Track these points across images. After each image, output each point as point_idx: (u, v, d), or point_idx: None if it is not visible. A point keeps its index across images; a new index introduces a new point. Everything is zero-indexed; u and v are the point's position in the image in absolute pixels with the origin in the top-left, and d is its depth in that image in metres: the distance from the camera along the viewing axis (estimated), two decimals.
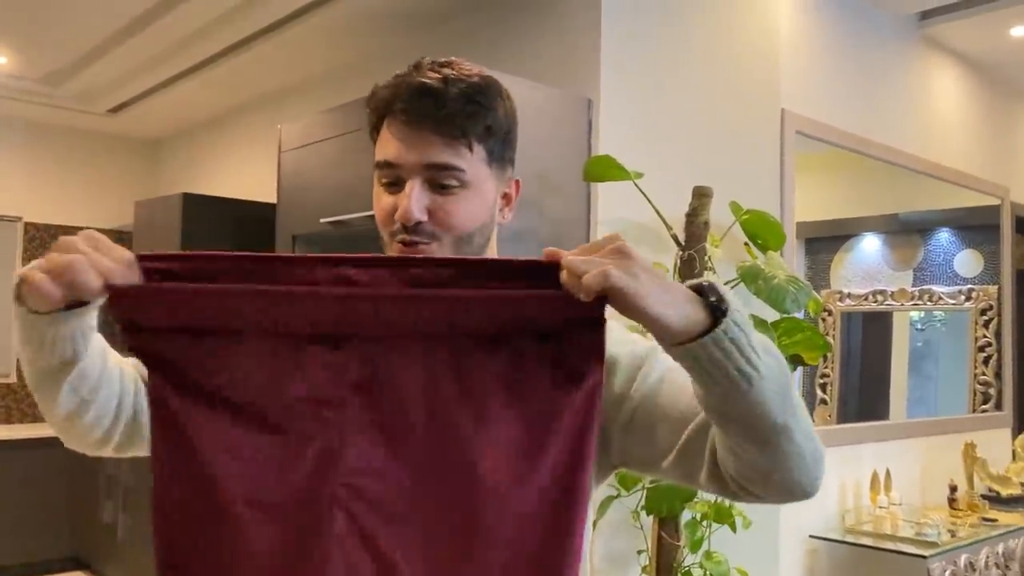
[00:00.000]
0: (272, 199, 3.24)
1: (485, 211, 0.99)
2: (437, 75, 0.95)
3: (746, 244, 2.45)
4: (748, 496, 0.89)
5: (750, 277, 2.21)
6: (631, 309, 0.72)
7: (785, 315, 2.30)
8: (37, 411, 5.09)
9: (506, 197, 1.05)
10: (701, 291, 0.77)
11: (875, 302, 4.37)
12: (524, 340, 0.78)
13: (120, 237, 5.29)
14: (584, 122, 2.57)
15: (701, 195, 2.42)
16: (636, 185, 2.34)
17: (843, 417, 4.25)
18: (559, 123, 2.52)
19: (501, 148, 0.99)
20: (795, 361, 2.29)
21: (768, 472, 0.85)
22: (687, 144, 2.74)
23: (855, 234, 4.43)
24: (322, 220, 2.81)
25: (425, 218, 0.94)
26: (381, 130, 0.99)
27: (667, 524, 2.31)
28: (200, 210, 3.86)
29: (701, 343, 0.75)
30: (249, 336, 0.77)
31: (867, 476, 3.20)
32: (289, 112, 4.12)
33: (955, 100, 3.98)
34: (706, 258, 2.38)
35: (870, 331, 4.53)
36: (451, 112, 0.93)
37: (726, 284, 2.39)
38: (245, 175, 4.59)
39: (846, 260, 4.49)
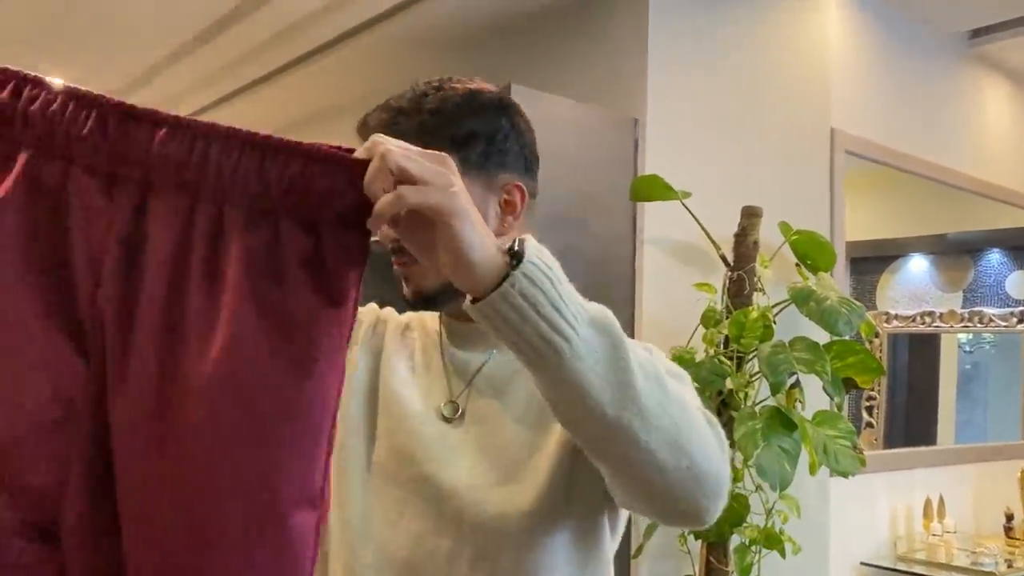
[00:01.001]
0: None
1: None
2: (411, 95, 0.98)
3: (797, 265, 2.41)
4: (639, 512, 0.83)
5: (801, 299, 2.18)
6: (440, 237, 0.66)
7: (837, 338, 2.26)
8: None
9: (508, 205, 0.99)
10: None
11: (923, 324, 4.30)
12: (288, 224, 0.67)
13: None
14: (630, 141, 2.57)
15: (750, 215, 2.40)
16: (684, 205, 2.33)
17: (890, 440, 4.18)
18: (605, 142, 2.52)
19: (482, 155, 0.97)
20: (848, 384, 2.25)
21: (628, 484, 0.78)
22: (735, 163, 2.72)
23: (902, 254, 4.36)
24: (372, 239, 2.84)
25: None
26: None
27: (716, 549, 2.27)
28: None
29: (489, 300, 0.67)
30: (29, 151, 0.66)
31: (919, 502, 3.12)
32: (338, 133, 4.16)
33: (1007, 118, 3.91)
34: (756, 278, 2.36)
35: (917, 353, 4.45)
36: (406, 128, 0.94)
37: (776, 305, 2.37)
38: None
39: (892, 281, 4.42)
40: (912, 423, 4.35)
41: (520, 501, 0.91)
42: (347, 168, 0.67)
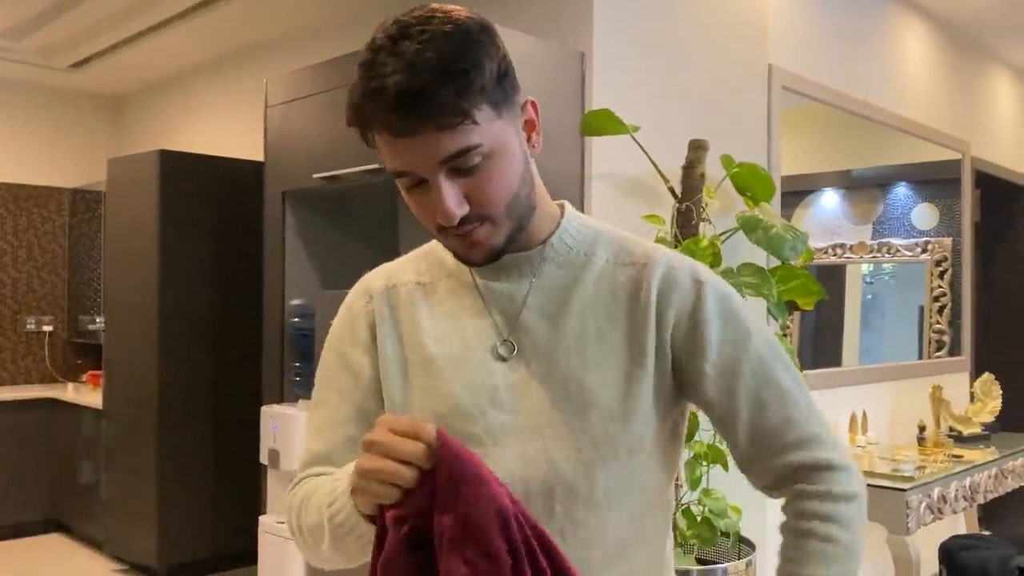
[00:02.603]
0: (256, 156, 3.22)
1: (518, 163, 0.92)
2: (400, 62, 0.83)
3: (746, 195, 2.52)
4: None
5: (750, 227, 2.29)
6: None
7: (778, 264, 2.39)
8: (11, 372, 4.99)
9: (529, 124, 0.95)
10: None
11: (835, 255, 4.52)
12: None
13: (87, 196, 5.18)
14: (577, 75, 2.59)
15: (697, 148, 2.48)
16: (634, 139, 2.40)
17: (801, 366, 4.42)
18: (552, 76, 2.53)
19: (503, 92, 0.89)
20: (790, 307, 2.39)
21: None
22: (678, 98, 2.79)
23: (815, 189, 4.56)
24: (315, 175, 2.82)
25: (466, 209, 0.89)
26: (374, 139, 0.89)
27: None
28: (179, 168, 3.80)
29: None
30: None
31: (843, 418, 3.35)
32: (266, 68, 4.06)
33: (923, 57, 4.11)
34: (703, 209, 2.46)
35: (825, 283, 4.68)
36: (440, 103, 0.83)
37: (723, 234, 2.48)
38: (221, 132, 4.52)
39: (807, 215, 4.62)
40: (820, 349, 4.60)
41: (598, 428, 0.92)
42: None
